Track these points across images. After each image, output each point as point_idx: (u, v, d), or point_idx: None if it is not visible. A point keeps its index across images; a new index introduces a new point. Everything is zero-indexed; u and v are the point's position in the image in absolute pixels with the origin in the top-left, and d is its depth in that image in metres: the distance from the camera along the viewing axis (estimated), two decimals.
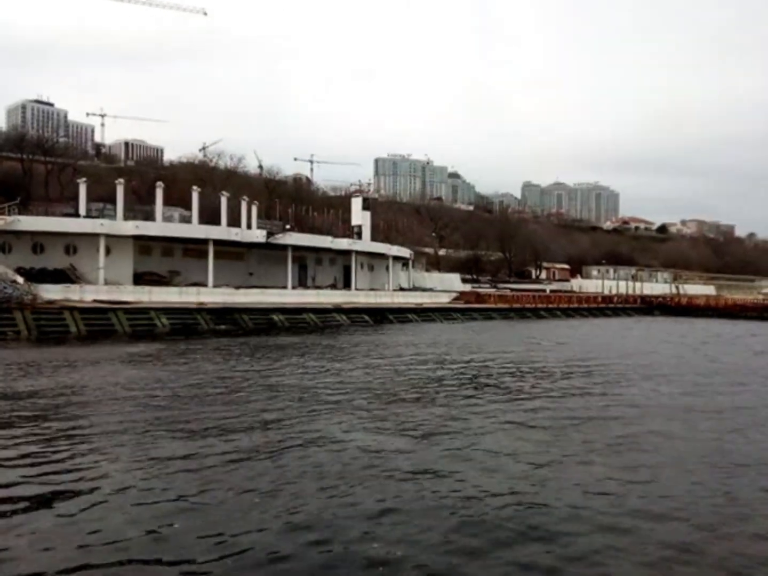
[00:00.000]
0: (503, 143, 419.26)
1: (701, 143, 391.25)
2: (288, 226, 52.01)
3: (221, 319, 33.14)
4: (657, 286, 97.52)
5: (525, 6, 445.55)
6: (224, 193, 45.49)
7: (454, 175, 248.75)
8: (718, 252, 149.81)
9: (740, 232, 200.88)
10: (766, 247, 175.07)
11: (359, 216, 55.88)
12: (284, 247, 43.70)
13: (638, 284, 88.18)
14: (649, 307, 69.71)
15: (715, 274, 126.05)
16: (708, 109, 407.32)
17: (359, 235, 54.65)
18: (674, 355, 25.05)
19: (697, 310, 68.02)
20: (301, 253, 47.50)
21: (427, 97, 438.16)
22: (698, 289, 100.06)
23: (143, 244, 39.99)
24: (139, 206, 52.52)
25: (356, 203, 57.22)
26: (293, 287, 44.05)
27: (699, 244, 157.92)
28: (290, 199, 75.33)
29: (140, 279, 38.12)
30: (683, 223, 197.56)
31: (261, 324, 33.92)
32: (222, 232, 41.23)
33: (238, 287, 39.79)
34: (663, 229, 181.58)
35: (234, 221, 44.78)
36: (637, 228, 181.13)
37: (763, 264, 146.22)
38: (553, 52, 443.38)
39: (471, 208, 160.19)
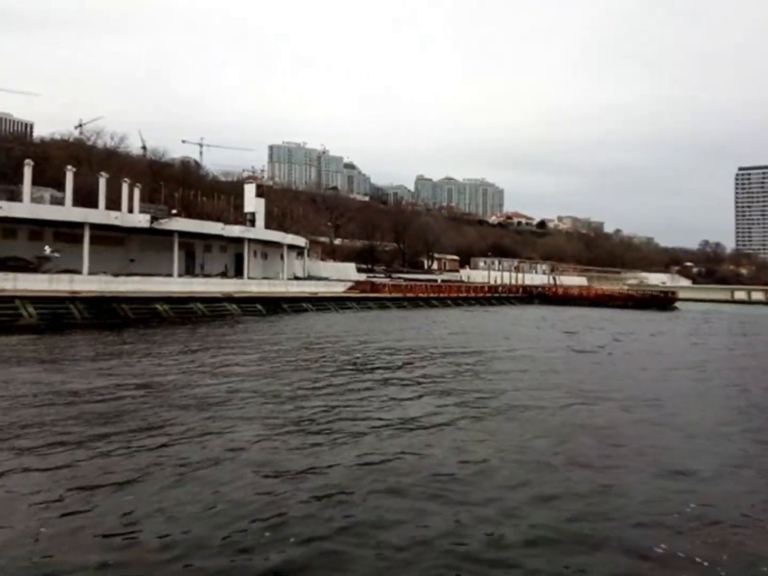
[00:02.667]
0: (399, 137, 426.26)
1: (577, 144, 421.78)
2: (174, 211, 49.35)
3: (97, 309, 30.75)
4: (537, 277, 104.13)
5: (428, 4, 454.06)
6: (103, 174, 42.18)
7: (350, 166, 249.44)
8: (589, 246, 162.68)
9: (609, 228, 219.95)
10: (630, 243, 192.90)
11: (252, 203, 54.24)
12: (170, 233, 41.39)
13: (520, 275, 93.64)
14: (529, 296, 74.31)
15: (587, 267, 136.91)
16: (583, 112, 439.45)
17: (252, 223, 53.14)
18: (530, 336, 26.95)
19: (571, 299, 73.53)
20: (188, 239, 45.28)
21: (324, 86, 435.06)
22: (572, 280, 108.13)
23: (7, 226, 36.15)
24: (3, 185, 47.42)
25: (249, 190, 55.50)
26: (179, 275, 41.90)
27: (573, 238, 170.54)
28: (177, 183, 71.46)
29: (3, 265, 34.42)
30: (560, 219, 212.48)
31: (143, 314, 31.89)
32: (100, 215, 38.23)
33: (117, 275, 37.15)
34: (542, 224, 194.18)
35: (113, 205, 41.72)
36: (519, 223, 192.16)
37: (627, 257, 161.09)
38: (449, 49, 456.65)
39: (366, 199, 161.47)
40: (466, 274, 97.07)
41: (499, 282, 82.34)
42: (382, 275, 74.98)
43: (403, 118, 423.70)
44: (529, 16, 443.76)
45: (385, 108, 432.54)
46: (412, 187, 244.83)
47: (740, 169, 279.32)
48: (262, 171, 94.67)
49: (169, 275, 40.59)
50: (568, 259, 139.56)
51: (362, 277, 67.29)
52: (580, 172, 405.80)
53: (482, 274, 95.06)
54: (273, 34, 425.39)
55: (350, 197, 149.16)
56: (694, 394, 14.52)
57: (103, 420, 10.10)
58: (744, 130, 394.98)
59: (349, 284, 57.26)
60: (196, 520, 6.16)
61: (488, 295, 68.58)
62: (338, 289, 54.31)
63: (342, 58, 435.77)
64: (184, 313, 34.00)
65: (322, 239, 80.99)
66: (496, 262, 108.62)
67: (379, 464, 8.11)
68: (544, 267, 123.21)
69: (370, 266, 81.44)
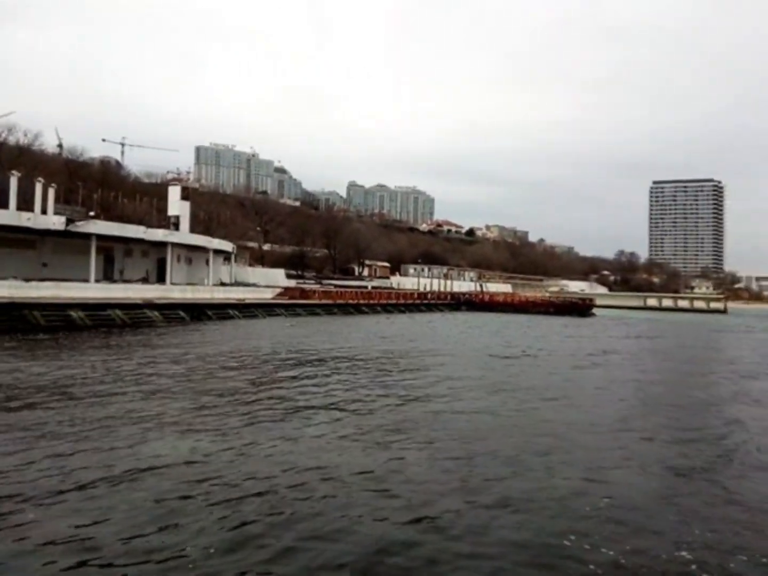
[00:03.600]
0: (331, 143, 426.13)
1: (505, 156, 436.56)
2: (92, 213, 47.14)
3: (7, 316, 28.88)
4: (464, 284, 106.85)
5: (361, 8, 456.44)
6: (14, 172, 39.70)
7: (281, 170, 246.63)
8: (515, 254, 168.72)
9: (533, 237, 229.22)
10: (552, 252, 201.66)
11: (177, 206, 52.51)
12: (87, 236, 39.45)
13: (449, 282, 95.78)
14: (457, 303, 76.04)
15: (512, 274, 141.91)
16: (511, 125, 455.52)
17: (176, 226, 51.47)
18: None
19: (496, 305, 75.88)
20: (107, 243, 43.31)
21: (256, 88, 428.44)
22: (498, 288, 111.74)
23: None
24: None
25: (174, 192, 53.72)
26: (97, 281, 40.01)
27: (500, 247, 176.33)
28: (96, 184, 68.25)
29: None
30: (488, 227, 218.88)
31: (56, 322, 30.20)
32: (10, 216, 35.93)
33: (28, 280, 35.00)
34: (471, 232, 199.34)
35: (26, 205, 39.32)
36: (449, 231, 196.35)
37: (550, 266, 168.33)
38: (382, 58, 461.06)
39: (297, 204, 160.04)
40: (396, 280, 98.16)
41: (428, 289, 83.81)
42: (313, 281, 74.62)
43: (335, 124, 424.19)
44: (461, 30, 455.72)
45: (318, 114, 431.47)
46: (344, 193, 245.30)
47: (654, 182, 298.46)
48: (188, 173, 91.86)
49: (86, 281, 38.67)
50: (495, 267, 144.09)
51: (292, 283, 66.66)
52: (507, 183, 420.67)
53: (412, 281, 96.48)
54: (200, 32, 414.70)
55: (280, 202, 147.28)
56: (591, 391, 15.51)
57: None
58: (658, 148, 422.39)
59: (278, 290, 56.54)
60: None
61: (418, 301, 69.62)
62: (266, 295, 53.54)
63: (273, 62, 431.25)
64: (101, 320, 32.47)
65: (251, 244, 79.67)
66: (426, 269, 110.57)
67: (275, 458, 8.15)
68: (471, 274, 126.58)
69: (300, 272, 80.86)
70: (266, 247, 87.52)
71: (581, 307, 74.78)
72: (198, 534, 6.15)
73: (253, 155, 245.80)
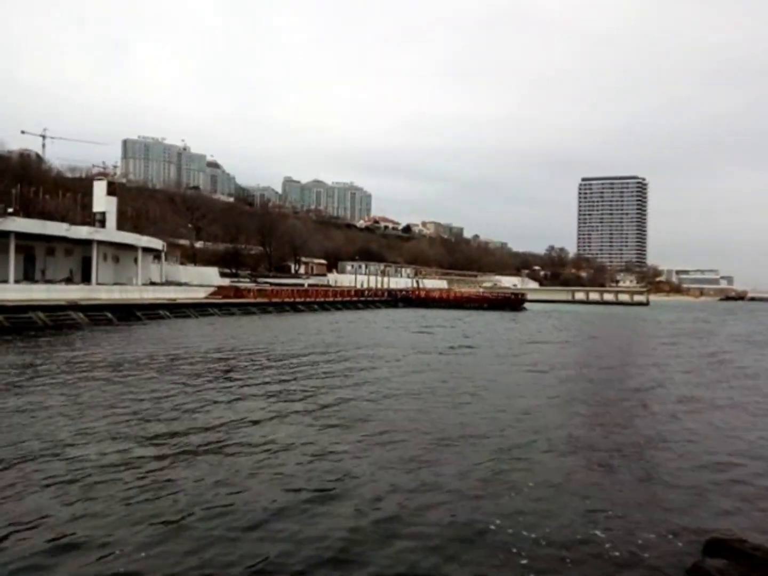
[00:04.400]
0: (266, 137, 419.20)
1: (441, 153, 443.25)
2: (10, 210, 44.48)
3: None
4: (401, 281, 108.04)
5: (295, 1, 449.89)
6: None
7: (214, 165, 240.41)
8: (450, 251, 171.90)
9: (468, 233, 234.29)
10: (486, 248, 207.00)
11: (103, 202, 50.47)
12: (5, 234, 37.34)
13: (386, 279, 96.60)
14: (394, 299, 76.89)
15: (448, 270, 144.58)
16: (447, 121, 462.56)
17: (102, 223, 49.49)
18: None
19: (433, 301, 77.29)
20: (27, 241, 41.10)
21: (186, 80, 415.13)
22: (434, 284, 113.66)
23: None
24: None
25: (99, 187, 51.53)
26: (17, 281, 37.96)
27: (436, 243, 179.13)
28: (15, 179, 64.32)
29: None
30: (424, 224, 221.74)
31: None
32: None
33: None
34: (407, 229, 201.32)
35: None
36: (386, 227, 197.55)
37: (484, 261, 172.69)
38: (320, 51, 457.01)
39: (231, 199, 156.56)
40: (333, 278, 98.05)
41: (365, 286, 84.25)
42: (247, 280, 73.45)
43: (271, 118, 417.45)
44: (399, 25, 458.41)
45: (253, 107, 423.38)
46: (279, 189, 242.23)
47: (583, 179, 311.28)
48: (115, 167, 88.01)
49: (5, 281, 36.63)
50: (431, 263, 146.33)
51: (226, 281, 65.34)
52: (444, 180, 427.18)
53: (349, 278, 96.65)
54: (123, 20, 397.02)
55: (213, 198, 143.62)
56: (517, 381, 16.30)
57: None
58: (588, 146, 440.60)
59: (212, 289, 55.35)
60: None
61: (355, 298, 69.87)
62: (199, 294, 52.32)
63: (204, 51, 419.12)
64: (22, 323, 30.88)
65: (182, 242, 77.42)
66: (363, 266, 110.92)
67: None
68: (408, 271, 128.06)
69: (234, 270, 79.31)
70: (199, 244, 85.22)
71: (513, 302, 77.33)
72: None
73: (184, 149, 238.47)
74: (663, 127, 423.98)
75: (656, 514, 7.25)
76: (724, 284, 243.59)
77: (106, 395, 13.69)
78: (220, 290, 55.87)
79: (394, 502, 7.39)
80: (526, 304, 79.01)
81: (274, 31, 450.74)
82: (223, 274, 71.27)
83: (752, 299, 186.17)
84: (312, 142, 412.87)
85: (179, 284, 55.82)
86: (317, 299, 62.00)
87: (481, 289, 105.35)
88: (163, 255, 57.64)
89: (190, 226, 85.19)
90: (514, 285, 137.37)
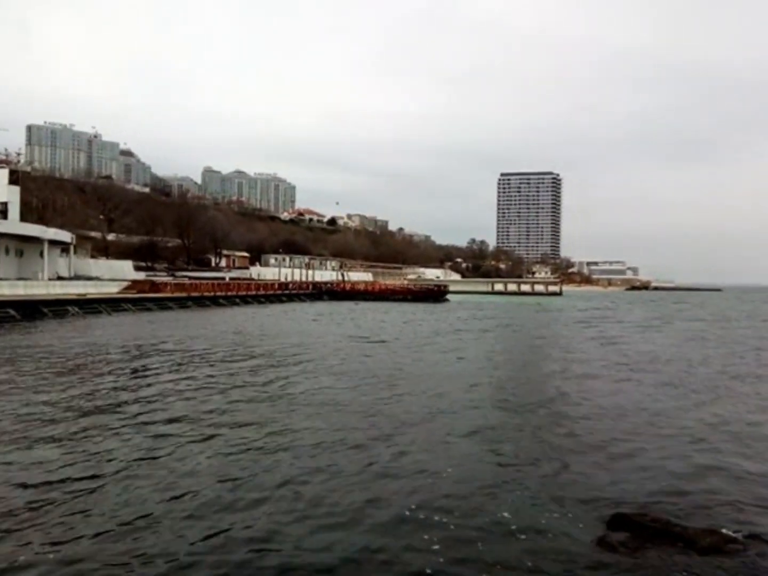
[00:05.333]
0: (185, 126, 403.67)
1: (366, 146, 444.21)
2: None
3: None
4: (326, 274, 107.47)
5: None
6: None
7: (127, 153, 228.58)
8: (375, 243, 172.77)
9: (393, 226, 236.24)
10: (411, 240, 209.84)
11: (4, 191, 47.57)
12: None
13: (311, 272, 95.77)
14: (319, 292, 76.47)
15: (373, 263, 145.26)
16: (371, 115, 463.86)
17: (4, 214, 46.50)
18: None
19: (358, 294, 77.49)
20: None
21: (97, 64, 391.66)
22: (360, 276, 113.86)
23: None
24: None
25: (1, 175, 48.23)
26: None
27: (361, 236, 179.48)
28: None
29: None
30: (349, 216, 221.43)
31: None
32: None
33: None
34: (333, 221, 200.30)
35: None
36: (311, 220, 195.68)
37: (409, 254, 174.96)
38: (245, 40, 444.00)
39: (147, 190, 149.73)
40: (256, 271, 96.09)
41: (290, 279, 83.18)
42: (164, 273, 70.65)
43: (191, 106, 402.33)
44: (325, 18, 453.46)
45: (170, 94, 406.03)
46: (199, 179, 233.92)
47: (502, 174, 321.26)
48: (18, 154, 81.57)
49: None
50: (357, 256, 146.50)
51: (141, 275, 62.59)
52: (369, 173, 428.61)
53: (273, 271, 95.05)
54: (35, 3, 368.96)
55: (127, 188, 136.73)
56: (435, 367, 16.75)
57: None
58: (508, 144, 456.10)
59: (125, 284, 52.82)
60: None
61: (279, 292, 68.85)
62: (112, 289, 49.77)
63: (117, 35, 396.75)
64: None
65: (93, 234, 73.33)
66: (288, 259, 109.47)
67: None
68: (333, 263, 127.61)
69: (150, 264, 76.02)
70: (111, 237, 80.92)
71: (436, 294, 78.96)
72: None
73: (95, 136, 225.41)
74: (576, 126, 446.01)
75: (562, 493, 7.59)
76: (630, 275, 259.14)
77: None
78: (135, 285, 53.44)
79: (308, 485, 7.36)
80: (449, 296, 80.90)
81: (195, 18, 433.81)
82: (138, 268, 68.19)
83: (655, 288, 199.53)
84: (234, 132, 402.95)
85: (90, 279, 52.86)
86: (239, 293, 60.59)
87: (405, 282, 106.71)
88: (71, 248, 54.46)
89: (101, 217, 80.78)
90: (438, 277, 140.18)
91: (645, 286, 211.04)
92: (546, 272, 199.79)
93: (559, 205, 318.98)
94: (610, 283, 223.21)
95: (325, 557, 5.79)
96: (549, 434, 10.59)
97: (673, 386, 15.88)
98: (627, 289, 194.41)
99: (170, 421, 11.00)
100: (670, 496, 7.54)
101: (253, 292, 63.34)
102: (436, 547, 6.02)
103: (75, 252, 56.01)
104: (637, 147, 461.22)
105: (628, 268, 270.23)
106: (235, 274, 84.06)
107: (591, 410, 12.69)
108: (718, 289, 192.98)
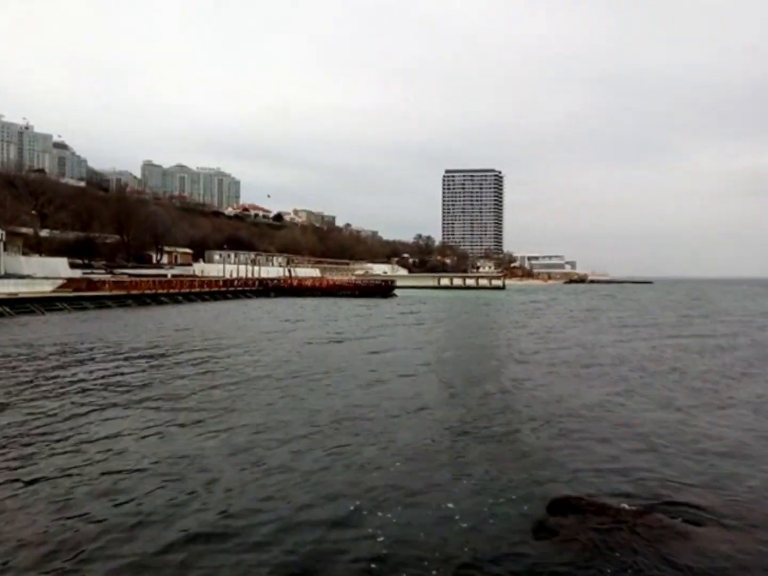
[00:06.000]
0: (124, 119, 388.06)
1: (311, 142, 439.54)
2: None
3: None
4: (273, 270, 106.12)
5: None
6: None
7: (61, 146, 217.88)
8: (323, 239, 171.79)
9: (340, 222, 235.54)
10: (358, 236, 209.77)
11: None
12: None
13: (257, 268, 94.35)
14: (266, 289, 75.41)
15: (321, 259, 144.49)
16: (319, 111, 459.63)
17: None
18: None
19: (306, 290, 76.92)
20: None
21: (29, 53, 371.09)
22: (307, 272, 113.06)
23: None
24: None
25: None
26: None
27: (308, 231, 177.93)
28: None
29: None
30: (296, 212, 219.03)
31: None
32: None
33: None
34: (279, 217, 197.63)
35: None
36: (256, 215, 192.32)
37: (356, 250, 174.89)
38: (189, 33, 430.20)
39: (83, 184, 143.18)
40: (200, 267, 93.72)
41: (235, 275, 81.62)
42: (103, 271, 67.95)
43: (130, 99, 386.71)
44: (270, 13, 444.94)
45: (109, 86, 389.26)
46: (138, 174, 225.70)
47: (446, 171, 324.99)
48: None
49: None
50: (304, 252, 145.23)
51: (77, 273, 59.89)
52: (315, 168, 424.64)
53: (217, 267, 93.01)
54: None
55: (62, 182, 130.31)
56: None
57: None
58: (453, 142, 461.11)
59: (60, 282, 50.50)
60: None
61: (224, 289, 67.51)
62: (45, 288, 47.47)
63: (50, 23, 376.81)
64: None
65: (24, 230, 69.52)
66: (233, 255, 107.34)
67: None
68: (280, 260, 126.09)
69: (87, 261, 72.88)
70: (44, 233, 76.99)
71: (384, 289, 79.27)
72: None
73: (26, 127, 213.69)
74: (518, 126, 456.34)
75: (503, 479, 7.85)
76: (568, 269, 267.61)
77: None
78: (71, 283, 51.19)
79: (245, 486, 7.33)
80: (397, 291, 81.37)
81: (135, 8, 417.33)
82: (74, 265, 65.21)
83: (592, 281, 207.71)
84: (176, 126, 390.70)
85: (21, 277, 50.17)
86: (182, 290, 59.00)
87: (353, 277, 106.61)
88: (1, 245, 51.53)
89: (33, 212, 76.61)
90: (385, 272, 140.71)
91: (582, 280, 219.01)
92: (490, 267, 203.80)
93: (501, 201, 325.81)
94: (549, 276, 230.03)
95: (276, 551, 5.81)
96: (488, 423, 10.90)
97: (604, 375, 16.58)
98: (565, 282, 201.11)
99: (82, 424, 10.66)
100: (605, 477, 7.91)
101: (197, 290, 61.87)
102: (381, 538, 6.12)
103: (5, 249, 53.09)
104: (576, 146, 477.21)
105: (567, 263, 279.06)
106: (177, 271, 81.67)
107: (527, 398, 13.19)
108: (650, 282, 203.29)
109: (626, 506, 6.70)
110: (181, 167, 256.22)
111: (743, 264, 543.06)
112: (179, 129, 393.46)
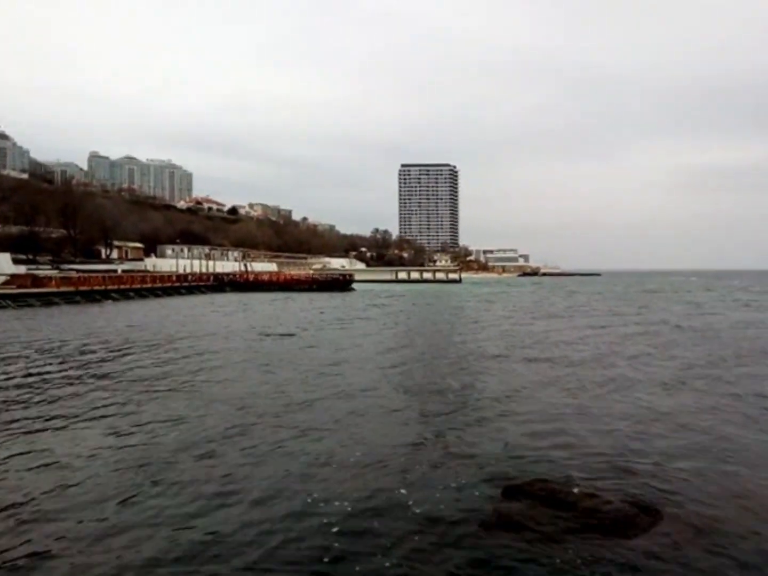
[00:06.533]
0: (69, 109, 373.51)
1: (266, 134, 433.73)
2: None
3: None
4: (228, 264, 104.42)
5: None
6: None
7: (2, 136, 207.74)
8: (279, 233, 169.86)
9: (296, 216, 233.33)
10: (315, 230, 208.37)
11: None
12: None
13: (212, 263, 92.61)
14: (221, 284, 74.12)
15: (277, 253, 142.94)
16: (275, 103, 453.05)
17: None
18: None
19: (262, 284, 75.98)
20: None
21: None
22: (264, 266, 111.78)
23: None
24: None
25: None
26: None
27: (264, 225, 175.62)
28: None
29: None
30: (251, 205, 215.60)
31: None
32: None
33: None
34: (234, 210, 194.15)
35: None
36: (210, 209, 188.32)
37: (314, 244, 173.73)
38: (135, 20, 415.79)
39: (25, 176, 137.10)
40: (151, 262, 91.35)
41: (188, 270, 79.91)
42: (49, 267, 65.44)
43: (74, 86, 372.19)
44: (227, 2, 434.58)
45: (52, 74, 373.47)
46: (84, 165, 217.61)
47: (402, 165, 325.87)
48: None
49: None
50: (260, 246, 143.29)
51: (21, 269, 57.53)
52: (269, 161, 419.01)
53: (170, 262, 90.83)
54: None
55: (2, 173, 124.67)
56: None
57: None
58: (409, 136, 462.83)
59: (3, 278, 48.44)
60: None
61: (177, 284, 66.00)
62: None
63: None
64: None
65: None
66: (186, 250, 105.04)
67: None
68: (235, 254, 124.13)
69: (31, 257, 70.05)
70: None
71: (342, 283, 79.14)
72: None
73: None
74: (473, 121, 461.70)
75: (459, 467, 7.99)
76: (522, 262, 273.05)
77: None
78: (14, 279, 49.18)
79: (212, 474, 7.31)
80: (354, 285, 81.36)
81: None
82: (17, 261, 62.58)
83: (544, 274, 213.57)
84: (125, 116, 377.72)
85: None
86: (133, 286, 57.46)
87: (311, 271, 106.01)
88: None
89: None
90: (343, 266, 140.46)
91: (535, 272, 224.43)
92: (446, 260, 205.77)
93: (457, 196, 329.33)
94: (504, 269, 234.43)
95: (232, 542, 5.82)
96: (441, 410, 11.12)
97: (552, 361, 17.13)
98: (519, 275, 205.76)
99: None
100: (556, 463, 8.19)
101: (149, 285, 60.30)
102: (335, 528, 6.18)
103: None
104: (529, 142, 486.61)
105: (520, 256, 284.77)
106: (128, 266, 79.42)
107: (479, 387, 13.51)
108: (598, 274, 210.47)
109: (573, 491, 6.95)
110: (130, 159, 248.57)
111: (686, 256, 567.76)
112: (128, 121, 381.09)
